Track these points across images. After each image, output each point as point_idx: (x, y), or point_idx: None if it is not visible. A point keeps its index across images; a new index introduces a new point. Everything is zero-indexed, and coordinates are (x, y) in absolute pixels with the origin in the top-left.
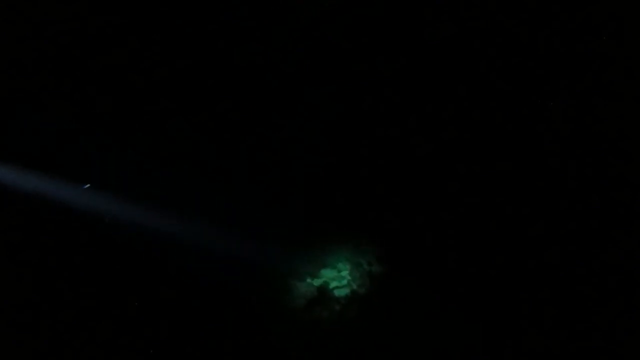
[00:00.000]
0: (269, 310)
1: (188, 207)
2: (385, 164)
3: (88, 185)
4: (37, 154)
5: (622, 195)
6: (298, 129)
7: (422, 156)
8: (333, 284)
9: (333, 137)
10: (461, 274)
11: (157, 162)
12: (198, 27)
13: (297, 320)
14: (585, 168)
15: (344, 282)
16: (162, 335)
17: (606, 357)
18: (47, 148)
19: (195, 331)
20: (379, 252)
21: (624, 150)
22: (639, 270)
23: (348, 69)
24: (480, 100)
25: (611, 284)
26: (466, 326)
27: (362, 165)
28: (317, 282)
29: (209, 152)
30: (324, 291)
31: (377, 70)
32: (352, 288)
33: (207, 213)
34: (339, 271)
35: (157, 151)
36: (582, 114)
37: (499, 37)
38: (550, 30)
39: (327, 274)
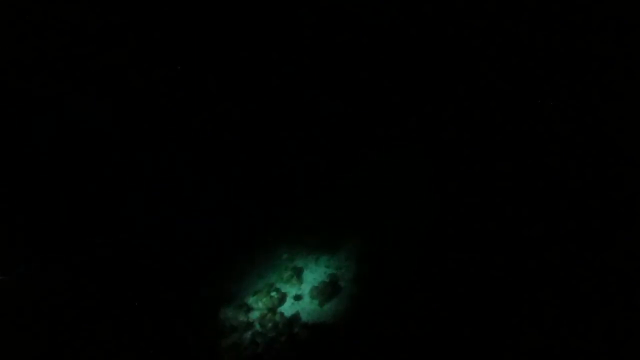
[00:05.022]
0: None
1: (186, 206)
2: (384, 163)
3: None
4: (37, 153)
5: (622, 195)
6: (298, 128)
7: (422, 156)
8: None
9: (333, 137)
10: (461, 274)
11: (156, 161)
12: (198, 27)
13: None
14: (585, 168)
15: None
16: (162, 336)
17: (606, 357)
18: (47, 148)
19: (194, 332)
20: (376, 253)
21: (624, 150)
22: (639, 270)
23: (348, 69)
24: (480, 100)
25: (611, 284)
26: (465, 326)
27: (361, 165)
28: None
29: (208, 151)
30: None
31: (377, 71)
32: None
33: (204, 211)
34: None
35: (156, 150)
36: (582, 114)
37: (499, 37)
38: (550, 30)
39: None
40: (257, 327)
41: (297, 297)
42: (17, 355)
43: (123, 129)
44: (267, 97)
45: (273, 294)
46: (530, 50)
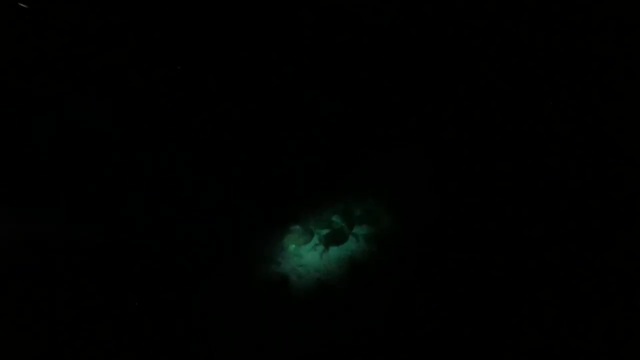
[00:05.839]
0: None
1: (187, 205)
2: (384, 163)
3: None
4: (37, 153)
5: (622, 195)
6: (298, 128)
7: (422, 156)
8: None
9: (333, 137)
10: (461, 274)
11: (156, 161)
12: (198, 27)
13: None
14: (585, 168)
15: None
16: (161, 336)
17: (606, 357)
18: (47, 148)
19: (194, 331)
20: (376, 253)
21: (624, 150)
22: (639, 270)
23: (348, 69)
24: (480, 100)
25: (611, 284)
26: (465, 326)
27: (361, 165)
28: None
29: (208, 151)
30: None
31: (377, 71)
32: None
33: (205, 209)
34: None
35: (156, 150)
36: (582, 114)
37: (499, 37)
38: (550, 30)
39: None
40: None
41: None
42: (17, 355)
43: (123, 129)
44: (267, 97)
45: None
46: (530, 50)
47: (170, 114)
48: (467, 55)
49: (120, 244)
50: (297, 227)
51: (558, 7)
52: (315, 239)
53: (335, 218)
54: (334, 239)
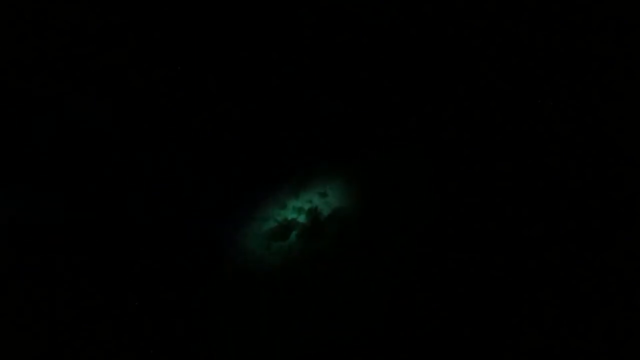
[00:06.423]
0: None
1: (186, 206)
2: (384, 163)
3: None
4: (37, 153)
5: (622, 195)
6: (298, 128)
7: (422, 156)
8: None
9: (333, 137)
10: (461, 274)
11: (156, 161)
12: (198, 27)
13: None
14: (585, 168)
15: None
16: (161, 336)
17: (606, 357)
18: (47, 148)
19: (195, 330)
20: (376, 253)
21: (624, 150)
22: (639, 270)
23: (348, 69)
24: (480, 100)
25: (611, 284)
26: (465, 326)
27: (361, 164)
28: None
29: (208, 151)
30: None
31: (377, 71)
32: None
33: (204, 211)
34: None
35: (156, 150)
36: (582, 114)
37: (499, 37)
38: (550, 30)
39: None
40: None
41: None
42: (17, 355)
43: (123, 129)
44: (267, 97)
45: None
46: (530, 50)
47: (170, 114)
48: (467, 55)
49: (120, 244)
50: (278, 222)
51: (558, 7)
52: (293, 235)
53: (302, 218)
54: (311, 233)
